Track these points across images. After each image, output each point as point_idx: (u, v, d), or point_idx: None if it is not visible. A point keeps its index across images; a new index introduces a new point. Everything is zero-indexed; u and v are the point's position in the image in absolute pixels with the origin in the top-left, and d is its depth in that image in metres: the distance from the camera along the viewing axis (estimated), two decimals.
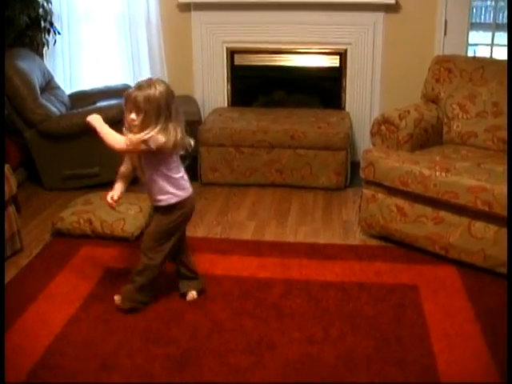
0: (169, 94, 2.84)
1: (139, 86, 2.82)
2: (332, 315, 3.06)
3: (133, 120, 2.82)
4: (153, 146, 2.79)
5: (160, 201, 3.00)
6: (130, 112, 2.82)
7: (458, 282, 3.35)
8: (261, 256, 3.68)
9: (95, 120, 2.97)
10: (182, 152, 2.99)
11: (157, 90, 2.79)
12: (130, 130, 2.86)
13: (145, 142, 2.79)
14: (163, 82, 2.91)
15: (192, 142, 3.01)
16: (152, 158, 2.90)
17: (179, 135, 2.86)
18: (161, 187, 2.96)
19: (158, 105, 2.78)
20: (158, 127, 2.79)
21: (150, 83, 2.83)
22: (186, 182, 3.05)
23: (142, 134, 2.79)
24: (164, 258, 3.08)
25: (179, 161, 3.01)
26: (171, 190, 2.97)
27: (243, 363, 2.71)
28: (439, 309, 3.10)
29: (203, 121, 5.03)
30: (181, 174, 3.02)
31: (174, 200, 2.99)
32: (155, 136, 2.79)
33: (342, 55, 5.19)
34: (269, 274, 3.47)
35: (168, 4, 5.26)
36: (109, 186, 3.85)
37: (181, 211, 3.03)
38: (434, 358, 2.72)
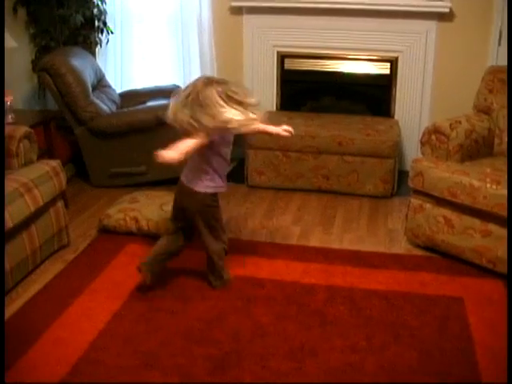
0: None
1: None
2: (375, 324, 3.03)
3: None
4: None
5: None
6: None
7: (504, 297, 3.28)
8: (305, 261, 3.67)
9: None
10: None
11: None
12: None
13: None
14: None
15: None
16: None
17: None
18: None
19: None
20: None
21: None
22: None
23: None
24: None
25: None
26: None
27: (284, 368, 2.70)
28: (485, 323, 3.05)
29: None
30: None
31: None
32: None
33: (393, 63, 5.14)
34: (313, 279, 3.46)
35: (220, 7, 5.28)
36: (155, 184, 3.91)
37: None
38: (479, 373, 2.67)
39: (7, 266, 3.23)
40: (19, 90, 5.12)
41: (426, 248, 3.82)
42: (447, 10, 4.78)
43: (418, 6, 4.85)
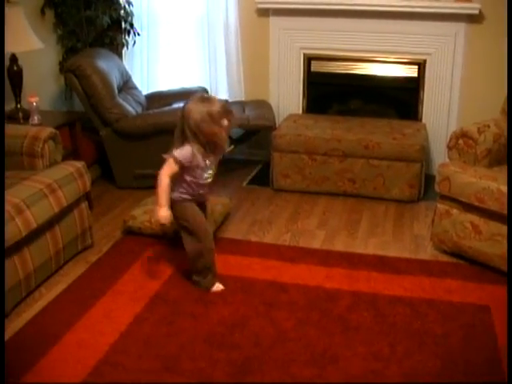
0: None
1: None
2: (399, 331, 2.98)
3: None
4: None
5: None
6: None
7: None
8: (329, 266, 3.63)
9: None
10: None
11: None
12: None
13: None
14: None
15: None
16: None
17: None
18: None
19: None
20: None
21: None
22: None
23: None
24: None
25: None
26: None
27: (305, 374, 2.67)
28: None
29: (277, 126, 5.02)
30: None
31: None
32: None
33: (421, 65, 5.08)
34: (336, 284, 3.42)
35: (247, 9, 5.26)
36: None
37: None
38: None
39: (31, 266, 3.25)
40: (46, 91, 5.14)
41: (453, 254, 3.75)
42: (476, 11, 4.70)
43: (447, 8, 4.78)
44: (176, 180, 3.26)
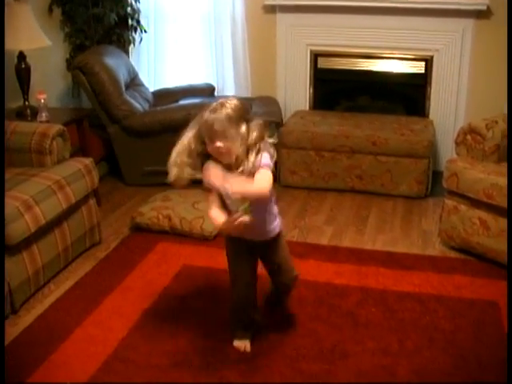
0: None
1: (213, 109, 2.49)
2: (408, 327, 2.98)
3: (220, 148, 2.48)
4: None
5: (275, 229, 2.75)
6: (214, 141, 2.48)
7: None
8: (337, 262, 3.63)
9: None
10: None
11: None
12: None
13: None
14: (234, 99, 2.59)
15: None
16: None
17: None
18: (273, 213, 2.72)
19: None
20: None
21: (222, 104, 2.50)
22: None
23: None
24: None
25: None
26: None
27: (314, 370, 2.67)
28: None
29: (284, 123, 5.01)
30: None
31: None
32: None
33: (428, 62, 5.07)
34: (345, 280, 3.42)
35: (253, 5, 5.25)
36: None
37: None
38: None
39: (39, 262, 3.26)
40: (54, 89, 5.15)
41: (461, 250, 3.75)
42: (484, 7, 4.69)
43: (454, 4, 4.76)
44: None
